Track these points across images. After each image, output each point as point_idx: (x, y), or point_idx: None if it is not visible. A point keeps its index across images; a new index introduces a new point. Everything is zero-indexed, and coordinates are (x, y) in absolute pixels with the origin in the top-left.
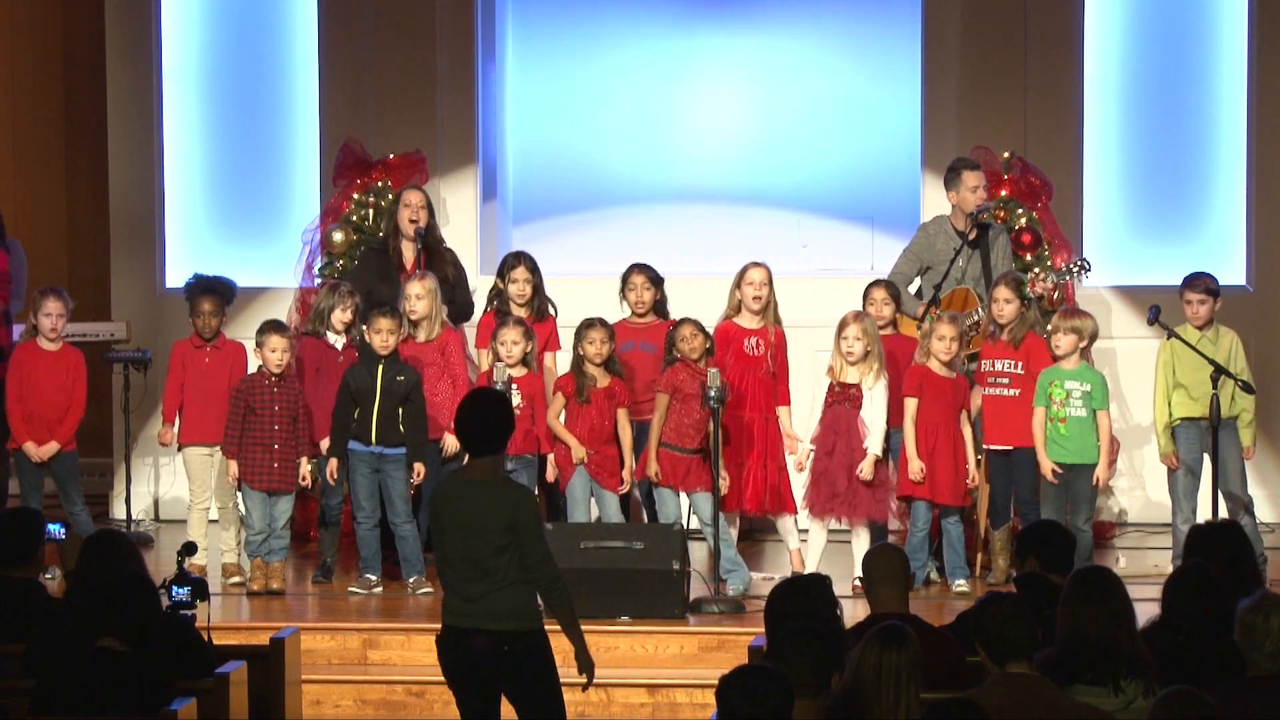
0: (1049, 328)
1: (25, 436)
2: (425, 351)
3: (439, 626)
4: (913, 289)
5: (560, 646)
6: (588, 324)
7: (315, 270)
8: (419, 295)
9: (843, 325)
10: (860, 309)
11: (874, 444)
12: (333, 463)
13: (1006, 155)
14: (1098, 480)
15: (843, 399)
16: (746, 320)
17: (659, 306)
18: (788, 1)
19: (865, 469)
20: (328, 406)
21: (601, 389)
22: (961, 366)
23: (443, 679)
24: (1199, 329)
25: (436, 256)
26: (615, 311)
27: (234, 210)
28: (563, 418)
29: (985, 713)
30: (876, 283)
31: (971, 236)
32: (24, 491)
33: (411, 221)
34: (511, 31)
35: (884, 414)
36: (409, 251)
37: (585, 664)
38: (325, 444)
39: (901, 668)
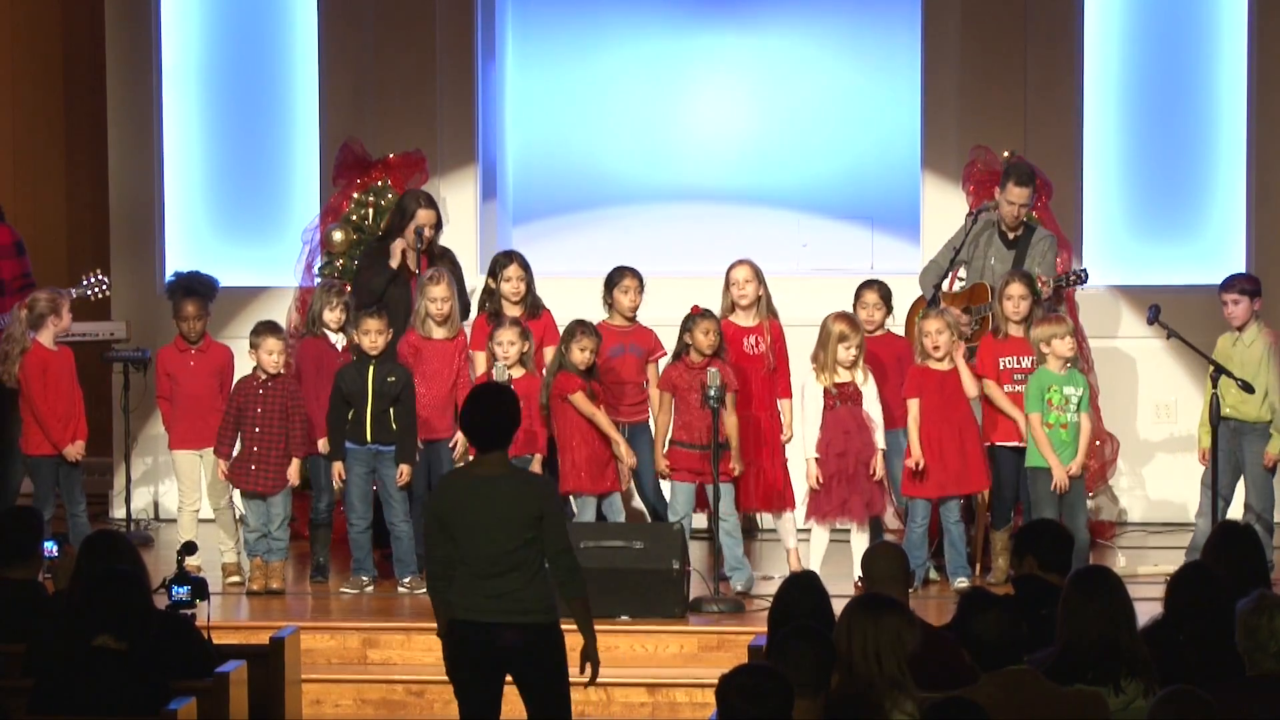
0: (1033, 334)
1: (66, 439)
2: (447, 350)
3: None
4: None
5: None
6: (582, 330)
7: (315, 270)
8: (444, 298)
9: (842, 336)
10: (846, 313)
11: (880, 438)
12: (337, 465)
13: (1006, 155)
14: (1058, 484)
15: (843, 399)
16: (741, 318)
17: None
18: (788, 1)
19: (879, 467)
20: (325, 406)
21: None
22: (969, 357)
23: (442, 678)
24: (1238, 329)
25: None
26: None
27: (234, 210)
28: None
29: (984, 711)
30: (868, 284)
31: (1013, 237)
32: (40, 495)
33: (417, 245)
34: (511, 31)
35: (880, 408)
36: (411, 257)
37: (594, 658)
38: (322, 443)
39: (880, 632)
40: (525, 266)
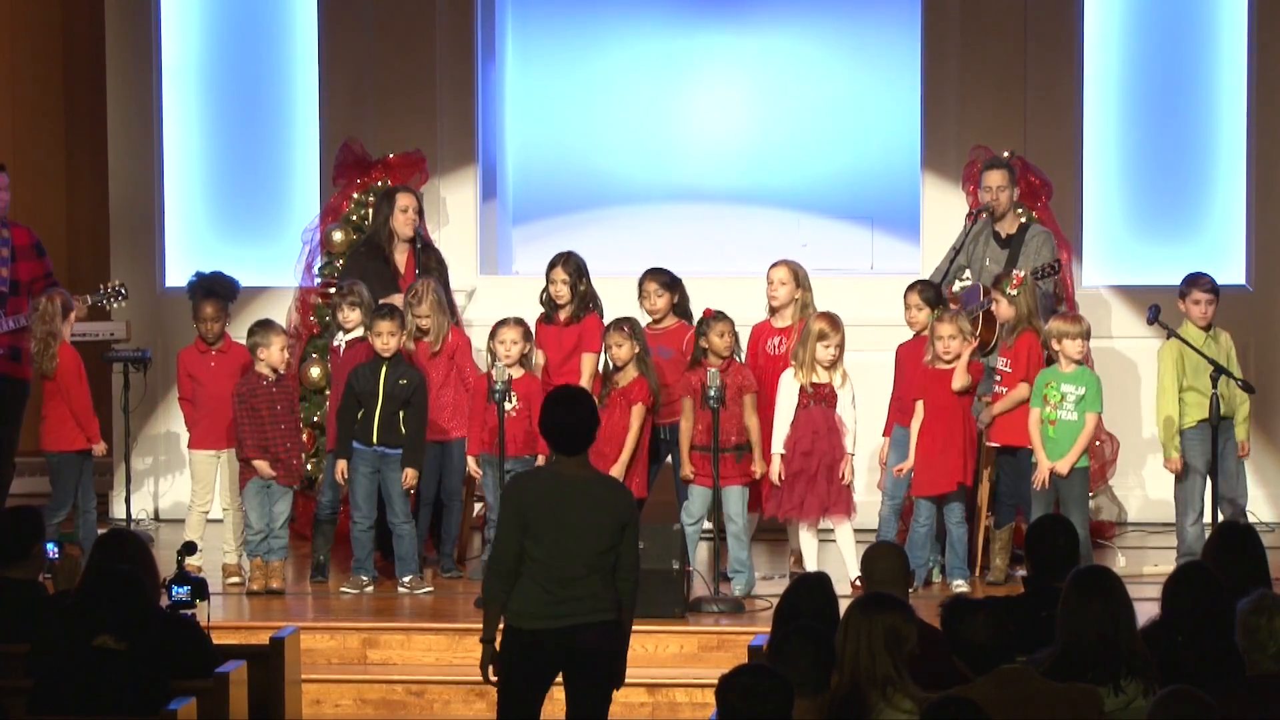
0: (1047, 328)
1: (97, 435)
2: (437, 359)
3: (438, 626)
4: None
5: None
6: (606, 328)
7: (315, 270)
8: (425, 315)
9: (821, 335)
10: (829, 312)
11: (849, 443)
12: (341, 464)
13: (1006, 155)
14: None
15: (817, 399)
16: (775, 319)
17: (679, 308)
18: (788, 1)
19: (848, 472)
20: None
21: (620, 391)
22: (976, 355)
23: (442, 678)
24: (1204, 329)
25: (424, 257)
26: (625, 313)
27: (234, 210)
28: None
29: (984, 710)
30: (912, 285)
31: (1005, 235)
32: (63, 492)
33: (417, 240)
34: (511, 31)
35: (854, 412)
36: (402, 255)
37: (624, 666)
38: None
39: (873, 630)
40: (572, 271)
